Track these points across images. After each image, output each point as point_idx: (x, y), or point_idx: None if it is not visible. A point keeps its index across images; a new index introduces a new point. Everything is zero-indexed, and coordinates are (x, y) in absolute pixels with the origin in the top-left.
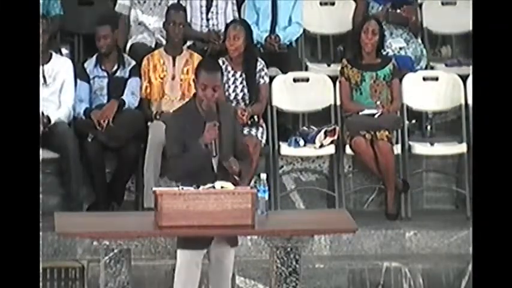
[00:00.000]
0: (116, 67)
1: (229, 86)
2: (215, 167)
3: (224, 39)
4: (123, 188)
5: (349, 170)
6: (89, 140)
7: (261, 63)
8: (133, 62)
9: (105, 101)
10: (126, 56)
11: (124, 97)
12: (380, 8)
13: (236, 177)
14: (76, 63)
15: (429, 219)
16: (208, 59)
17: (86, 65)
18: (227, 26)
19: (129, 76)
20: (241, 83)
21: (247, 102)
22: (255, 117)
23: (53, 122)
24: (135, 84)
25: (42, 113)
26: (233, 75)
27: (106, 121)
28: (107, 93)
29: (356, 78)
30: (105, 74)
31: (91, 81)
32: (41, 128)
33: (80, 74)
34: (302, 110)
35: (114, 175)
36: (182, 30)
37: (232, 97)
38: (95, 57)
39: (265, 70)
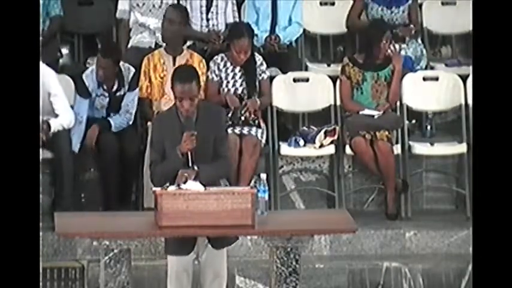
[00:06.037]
0: (116, 86)
1: (228, 82)
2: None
3: (224, 39)
4: (129, 189)
5: (349, 170)
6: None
7: (259, 59)
8: (133, 71)
9: (104, 115)
10: (124, 67)
11: (115, 117)
12: (380, 9)
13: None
14: (76, 79)
15: (429, 219)
16: (183, 68)
17: (84, 77)
18: (234, 33)
19: (128, 89)
20: (240, 77)
21: (247, 97)
22: (255, 115)
23: (52, 130)
24: (130, 102)
25: (45, 121)
26: (232, 71)
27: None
28: (106, 109)
29: (357, 78)
30: (107, 94)
31: (92, 98)
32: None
33: (81, 90)
34: (302, 110)
35: (121, 176)
36: (178, 29)
37: (231, 92)
38: (94, 72)
39: (264, 65)
